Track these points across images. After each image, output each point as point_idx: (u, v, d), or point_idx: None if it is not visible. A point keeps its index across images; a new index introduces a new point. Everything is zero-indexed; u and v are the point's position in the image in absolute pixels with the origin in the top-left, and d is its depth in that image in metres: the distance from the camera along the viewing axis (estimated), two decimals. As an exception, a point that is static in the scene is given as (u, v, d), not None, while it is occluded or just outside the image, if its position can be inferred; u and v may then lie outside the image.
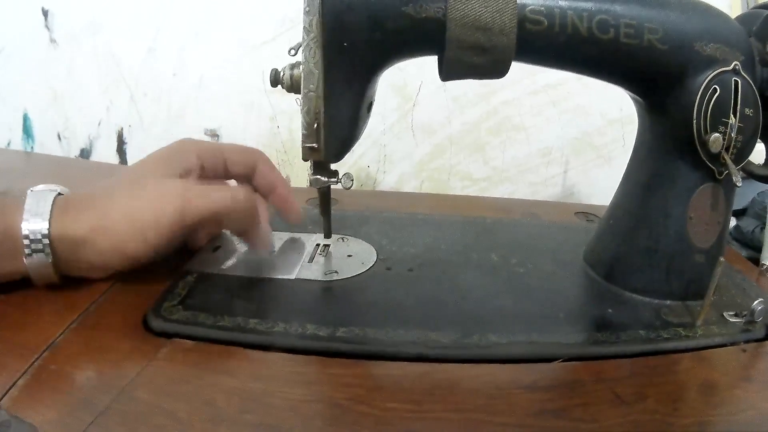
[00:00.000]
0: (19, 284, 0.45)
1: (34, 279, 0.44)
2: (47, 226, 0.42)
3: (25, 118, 1.00)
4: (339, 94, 0.45)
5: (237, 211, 0.48)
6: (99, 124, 0.95)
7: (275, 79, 0.46)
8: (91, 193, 0.46)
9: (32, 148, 1.01)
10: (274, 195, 0.54)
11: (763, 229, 0.68)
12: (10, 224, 0.42)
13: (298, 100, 0.46)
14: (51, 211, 0.43)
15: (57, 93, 0.97)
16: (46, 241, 0.42)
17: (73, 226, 0.43)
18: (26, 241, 0.42)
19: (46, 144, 1.00)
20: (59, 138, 0.99)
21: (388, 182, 0.89)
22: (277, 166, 0.88)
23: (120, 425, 0.33)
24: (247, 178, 0.54)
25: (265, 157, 0.55)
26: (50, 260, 0.43)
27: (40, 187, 0.46)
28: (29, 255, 0.43)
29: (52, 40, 0.94)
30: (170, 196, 0.46)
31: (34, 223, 0.42)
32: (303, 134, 0.46)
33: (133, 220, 0.45)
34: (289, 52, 0.47)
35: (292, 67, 0.46)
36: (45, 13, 0.93)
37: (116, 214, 0.45)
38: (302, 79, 0.44)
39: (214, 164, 0.52)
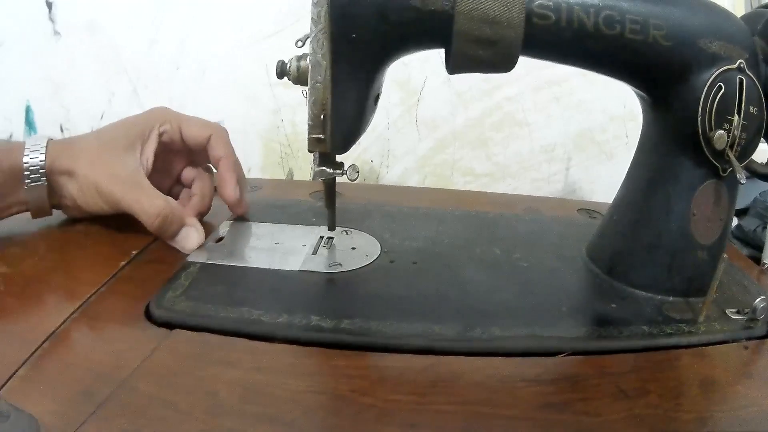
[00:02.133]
0: (20, 275, 0.45)
1: (32, 208, 0.54)
2: (43, 159, 0.51)
3: (28, 110, 0.99)
4: (346, 85, 0.45)
5: (155, 228, 0.53)
6: (102, 116, 0.95)
7: (282, 71, 0.46)
8: (76, 140, 0.55)
9: (34, 139, 1.00)
10: (217, 173, 0.59)
11: (764, 228, 0.68)
12: (15, 160, 0.51)
13: (304, 92, 0.46)
14: (46, 149, 0.52)
15: (59, 84, 0.96)
16: (43, 171, 0.51)
17: (60, 161, 0.52)
18: (26, 173, 0.51)
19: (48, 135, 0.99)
20: (61, 129, 0.98)
21: (391, 177, 0.90)
22: (280, 159, 0.89)
23: (120, 416, 0.33)
24: (203, 152, 0.60)
25: (220, 133, 0.59)
26: (45, 188, 0.52)
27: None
28: (29, 185, 0.52)
29: (56, 32, 0.94)
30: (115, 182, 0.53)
31: (33, 158, 0.51)
32: (309, 125, 0.46)
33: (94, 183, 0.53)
34: (296, 43, 0.47)
35: (299, 59, 0.46)
36: (49, 5, 0.93)
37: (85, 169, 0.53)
38: (309, 70, 0.44)
39: (171, 135, 0.58)
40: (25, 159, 0.51)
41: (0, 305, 0.43)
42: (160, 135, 0.57)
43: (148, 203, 0.52)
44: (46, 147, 0.52)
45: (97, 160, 0.53)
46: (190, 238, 0.53)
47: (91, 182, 0.52)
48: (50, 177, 0.52)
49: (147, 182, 0.54)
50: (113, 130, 0.56)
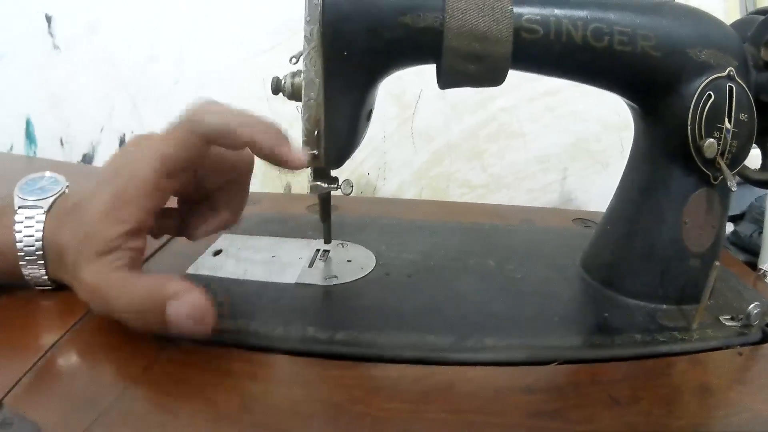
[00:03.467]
0: (23, 286, 0.45)
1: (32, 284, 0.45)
2: (41, 236, 0.43)
3: (28, 123, 1.00)
4: (339, 101, 0.45)
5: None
6: (101, 130, 0.96)
7: (276, 87, 0.47)
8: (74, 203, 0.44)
9: (34, 152, 1.01)
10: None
11: (761, 233, 0.68)
12: (5, 238, 0.43)
13: (298, 108, 0.46)
14: (44, 221, 0.43)
15: (59, 98, 0.97)
16: (40, 252, 0.43)
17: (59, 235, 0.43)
18: (20, 250, 0.43)
19: (48, 149, 1.01)
20: (61, 143, 0.99)
21: (387, 190, 0.90)
22: (278, 173, 0.90)
23: (122, 424, 0.34)
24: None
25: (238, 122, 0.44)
26: (43, 268, 0.44)
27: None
28: (24, 265, 0.44)
29: (55, 46, 0.95)
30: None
31: (27, 233, 0.43)
32: (303, 141, 0.46)
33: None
34: (290, 60, 0.47)
35: (293, 75, 0.46)
36: (48, 19, 0.94)
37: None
38: (303, 87, 0.45)
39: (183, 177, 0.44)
40: (18, 236, 0.43)
41: (4, 315, 0.43)
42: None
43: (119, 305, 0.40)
44: (44, 219, 0.43)
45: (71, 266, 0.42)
46: (178, 313, 0.39)
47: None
48: (48, 254, 0.44)
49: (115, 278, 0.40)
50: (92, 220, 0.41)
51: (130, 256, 0.41)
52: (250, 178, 0.49)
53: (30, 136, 1.01)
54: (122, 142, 0.96)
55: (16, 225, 0.43)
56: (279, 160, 0.43)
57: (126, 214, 0.41)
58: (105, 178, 0.42)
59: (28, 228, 0.43)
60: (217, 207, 0.49)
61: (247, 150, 0.44)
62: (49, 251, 0.43)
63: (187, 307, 0.38)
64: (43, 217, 0.43)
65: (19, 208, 0.44)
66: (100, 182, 0.42)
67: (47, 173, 0.47)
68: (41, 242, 0.43)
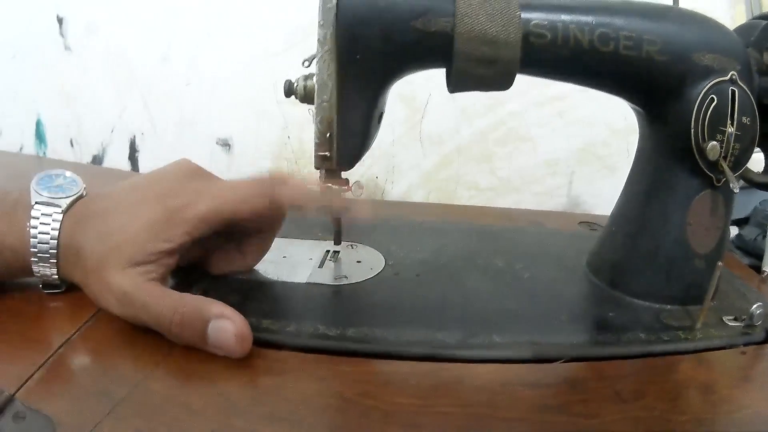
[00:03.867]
0: (34, 283, 0.46)
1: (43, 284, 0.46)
2: (57, 235, 0.44)
3: (38, 123, 1.01)
4: (351, 104, 0.46)
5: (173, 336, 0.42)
6: (112, 131, 0.97)
7: (289, 90, 0.48)
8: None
9: (45, 153, 1.02)
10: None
11: (764, 237, 0.68)
12: (18, 234, 0.43)
13: (311, 110, 0.47)
14: (61, 220, 0.44)
15: (70, 99, 0.98)
16: (54, 251, 0.44)
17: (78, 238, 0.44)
18: (33, 246, 0.43)
19: (58, 149, 1.01)
20: (71, 144, 1.00)
21: (396, 193, 0.91)
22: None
23: (136, 416, 0.34)
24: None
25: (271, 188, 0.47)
26: (55, 267, 0.44)
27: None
28: (35, 262, 0.44)
29: (67, 47, 0.96)
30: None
31: (43, 230, 0.43)
32: (316, 143, 0.47)
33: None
34: (303, 63, 0.48)
35: (306, 78, 0.47)
36: (60, 20, 0.95)
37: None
38: (316, 89, 0.46)
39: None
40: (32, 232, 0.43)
41: (16, 311, 0.44)
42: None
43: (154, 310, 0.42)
44: (61, 222, 0.44)
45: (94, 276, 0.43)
46: (224, 329, 0.40)
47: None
48: (62, 255, 0.44)
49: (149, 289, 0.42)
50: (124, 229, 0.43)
51: (162, 271, 0.44)
52: (278, 230, 0.53)
53: (40, 137, 1.01)
54: (132, 143, 0.96)
55: (32, 221, 0.43)
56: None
57: (173, 235, 0.43)
58: (156, 193, 0.45)
59: (44, 225, 0.43)
60: (243, 250, 0.52)
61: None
62: (65, 251, 0.44)
63: (232, 328, 0.40)
64: (60, 217, 0.44)
65: (36, 203, 0.44)
66: (150, 198, 0.44)
67: (67, 173, 0.47)
68: (57, 241, 0.43)
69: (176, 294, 0.43)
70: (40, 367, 0.38)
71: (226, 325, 0.40)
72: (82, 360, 0.40)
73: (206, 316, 0.40)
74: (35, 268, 0.44)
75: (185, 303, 0.41)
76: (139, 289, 0.42)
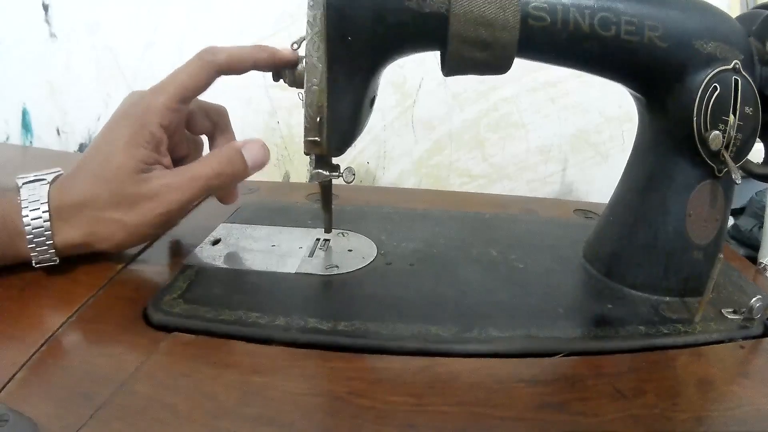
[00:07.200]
0: (17, 278, 0.45)
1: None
2: (47, 208, 0.46)
3: (24, 113, 1.00)
4: (342, 88, 0.45)
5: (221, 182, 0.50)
6: (98, 119, 0.95)
7: (277, 74, 0.46)
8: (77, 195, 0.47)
9: (31, 142, 1.01)
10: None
11: (761, 227, 0.68)
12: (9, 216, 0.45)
13: (300, 95, 0.46)
14: (48, 190, 0.46)
15: (55, 87, 0.96)
16: (47, 223, 0.45)
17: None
18: (26, 224, 0.45)
19: (44, 138, 1.00)
20: (58, 132, 0.98)
21: (387, 179, 0.90)
22: (276, 161, 0.89)
23: (119, 419, 0.33)
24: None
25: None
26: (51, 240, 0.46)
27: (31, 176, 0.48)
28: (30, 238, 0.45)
29: (52, 35, 0.94)
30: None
31: (33, 206, 0.45)
32: (305, 128, 0.46)
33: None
34: (292, 46, 0.47)
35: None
36: (45, 7, 0.93)
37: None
38: (305, 73, 0.44)
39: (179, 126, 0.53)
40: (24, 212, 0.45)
41: (-3, 309, 0.43)
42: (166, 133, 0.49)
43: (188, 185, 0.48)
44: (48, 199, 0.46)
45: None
46: (252, 147, 0.50)
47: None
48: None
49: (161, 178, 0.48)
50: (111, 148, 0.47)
51: (165, 167, 0.49)
52: (229, 119, 0.58)
53: (26, 126, 1.00)
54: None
55: (22, 202, 0.45)
56: (280, 62, 0.49)
57: (151, 133, 0.47)
58: (118, 120, 0.49)
59: (33, 202, 0.45)
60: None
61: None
62: (58, 213, 0.46)
63: (256, 145, 0.50)
64: (47, 187, 0.46)
65: (23, 184, 0.46)
66: (115, 127, 0.48)
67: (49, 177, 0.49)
68: (48, 213, 0.45)
69: (192, 166, 0.49)
70: (21, 367, 0.36)
71: (249, 144, 0.50)
72: (64, 360, 0.38)
73: (236, 152, 0.49)
74: (30, 246, 0.45)
75: (212, 163, 0.49)
76: (164, 181, 0.47)
